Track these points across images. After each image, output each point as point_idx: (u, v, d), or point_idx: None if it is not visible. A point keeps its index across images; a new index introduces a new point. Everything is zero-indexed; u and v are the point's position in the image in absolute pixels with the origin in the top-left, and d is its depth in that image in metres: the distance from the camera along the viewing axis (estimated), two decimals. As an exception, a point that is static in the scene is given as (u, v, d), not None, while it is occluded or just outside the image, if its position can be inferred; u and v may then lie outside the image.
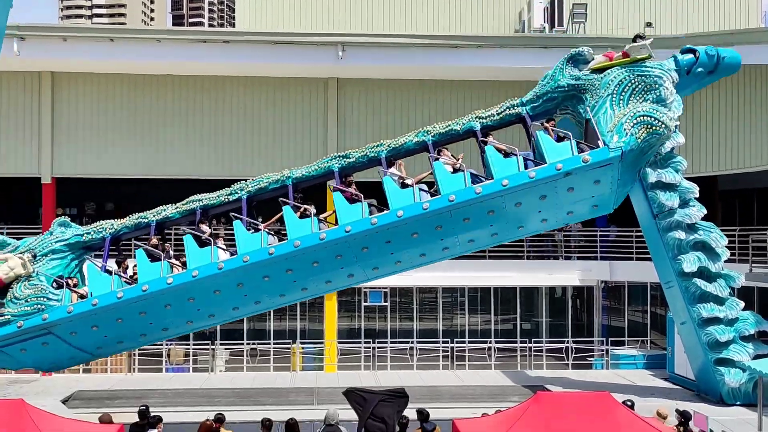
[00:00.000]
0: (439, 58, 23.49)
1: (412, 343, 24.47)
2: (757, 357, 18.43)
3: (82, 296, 14.05)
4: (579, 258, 25.23)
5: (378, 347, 24.24)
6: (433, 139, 14.60)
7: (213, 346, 23.69)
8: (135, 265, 14.53)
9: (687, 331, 19.23)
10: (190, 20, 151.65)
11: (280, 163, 24.91)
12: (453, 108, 25.38)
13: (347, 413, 13.21)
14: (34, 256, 14.37)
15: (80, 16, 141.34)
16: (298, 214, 14.13)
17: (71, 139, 24.53)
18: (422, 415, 12.51)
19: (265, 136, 24.99)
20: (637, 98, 13.80)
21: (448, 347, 24.39)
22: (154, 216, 14.77)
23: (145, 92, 24.72)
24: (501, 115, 14.64)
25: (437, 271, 23.29)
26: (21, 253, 14.40)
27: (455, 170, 14.08)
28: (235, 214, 14.77)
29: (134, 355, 23.39)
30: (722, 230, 19.18)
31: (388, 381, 20.73)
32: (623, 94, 13.85)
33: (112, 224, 14.98)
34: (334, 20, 28.77)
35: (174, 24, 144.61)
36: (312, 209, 14.29)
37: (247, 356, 23.85)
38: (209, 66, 23.79)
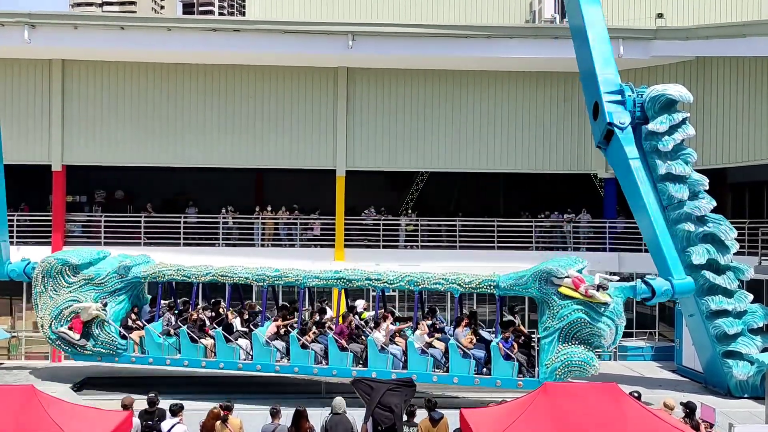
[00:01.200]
0: (449, 48, 23.44)
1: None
2: (765, 350, 18.43)
3: (141, 339, 18.11)
4: (588, 249, 25.16)
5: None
6: (419, 290, 17.49)
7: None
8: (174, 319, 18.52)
9: (695, 323, 19.20)
10: (201, 9, 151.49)
11: (289, 153, 25.07)
12: (462, 98, 25.39)
13: (355, 402, 13.27)
14: (105, 305, 18.02)
15: (91, 4, 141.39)
16: (300, 343, 17.32)
17: (81, 127, 24.64)
18: (430, 403, 12.57)
19: (275, 124, 25.03)
20: (579, 340, 16.08)
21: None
22: (195, 278, 18.19)
23: (156, 81, 24.78)
24: (477, 287, 17.07)
25: (446, 261, 23.35)
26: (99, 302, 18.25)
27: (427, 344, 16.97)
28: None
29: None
30: (732, 223, 19.11)
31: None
32: (570, 332, 16.08)
33: (164, 273, 18.35)
34: (344, 9, 28.71)
35: (184, 13, 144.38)
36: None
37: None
38: (219, 55, 23.83)
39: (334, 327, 17.56)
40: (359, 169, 25.30)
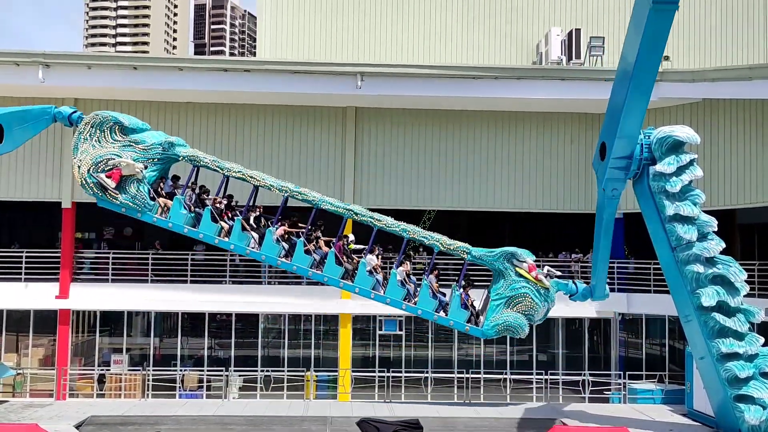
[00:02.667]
0: (457, 88, 23.66)
1: (427, 372, 24.33)
2: (777, 394, 18.13)
3: (166, 206, 19.89)
4: (596, 290, 25.00)
5: (392, 376, 24.11)
6: (409, 237, 20.37)
7: (227, 373, 23.67)
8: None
9: (706, 366, 18.96)
10: (212, 49, 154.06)
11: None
12: (470, 138, 25.55)
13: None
14: (146, 168, 19.58)
15: (104, 44, 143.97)
16: (305, 249, 19.52)
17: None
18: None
19: (284, 163, 25.19)
20: (519, 309, 20.00)
21: (463, 377, 24.21)
22: (228, 172, 20.11)
23: (166, 119, 25.05)
24: (455, 251, 20.34)
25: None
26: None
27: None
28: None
29: (148, 380, 23.44)
30: (741, 264, 18.98)
31: (403, 411, 20.60)
32: (515, 301, 19.97)
33: (201, 160, 20.18)
34: (353, 50, 29.08)
35: (196, 53, 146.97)
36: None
37: (260, 383, 23.81)
38: (230, 94, 24.11)
39: (333, 245, 20.19)
40: (367, 208, 25.32)
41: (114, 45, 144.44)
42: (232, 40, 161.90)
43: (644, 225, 19.35)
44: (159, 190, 20.07)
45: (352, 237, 21.54)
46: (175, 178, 20.83)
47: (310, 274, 19.75)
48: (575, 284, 21.22)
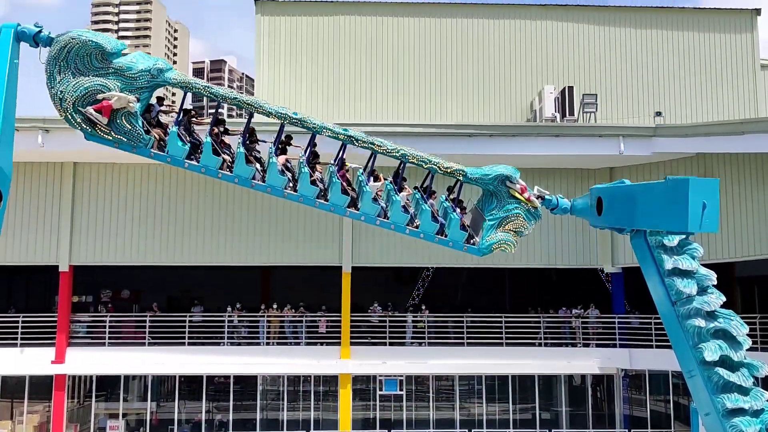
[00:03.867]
0: (453, 146, 23.88)
1: (429, 433, 23.92)
2: (786, 450, 17.77)
3: (160, 138, 17.52)
4: (598, 345, 24.82)
5: (394, 438, 23.69)
6: (407, 161, 18.71)
7: (225, 437, 23.27)
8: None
9: (712, 422, 18.58)
10: (210, 111, 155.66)
11: (296, 249, 25.16)
12: (467, 196, 25.63)
13: None
14: (138, 100, 17.21)
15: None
16: (311, 179, 17.52)
17: (90, 227, 24.89)
18: None
19: (280, 222, 25.23)
20: (511, 228, 18.86)
21: (465, 438, 23.79)
22: (222, 99, 17.62)
23: (163, 181, 25.20)
24: (451, 174, 18.74)
25: (453, 358, 23.03)
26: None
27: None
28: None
29: (145, 446, 23.01)
30: (742, 317, 18.83)
31: None
32: (507, 221, 18.79)
33: (193, 85, 17.58)
34: (349, 113, 29.45)
35: (194, 101, 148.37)
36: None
37: (259, 447, 23.35)
38: (227, 155, 24.27)
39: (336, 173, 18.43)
40: (365, 266, 25.32)
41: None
42: (230, 87, 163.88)
43: (643, 280, 19.28)
44: (151, 120, 18.39)
45: (352, 165, 20.48)
46: (160, 100, 19.07)
47: (316, 204, 18.28)
48: (557, 199, 20.73)
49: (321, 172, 18.38)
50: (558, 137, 23.70)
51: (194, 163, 17.61)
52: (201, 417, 24.41)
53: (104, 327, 24.80)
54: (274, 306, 25.57)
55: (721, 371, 18.08)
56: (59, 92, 17.42)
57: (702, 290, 18.49)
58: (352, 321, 24.91)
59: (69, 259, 24.62)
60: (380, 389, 24.70)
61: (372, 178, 19.14)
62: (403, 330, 25.42)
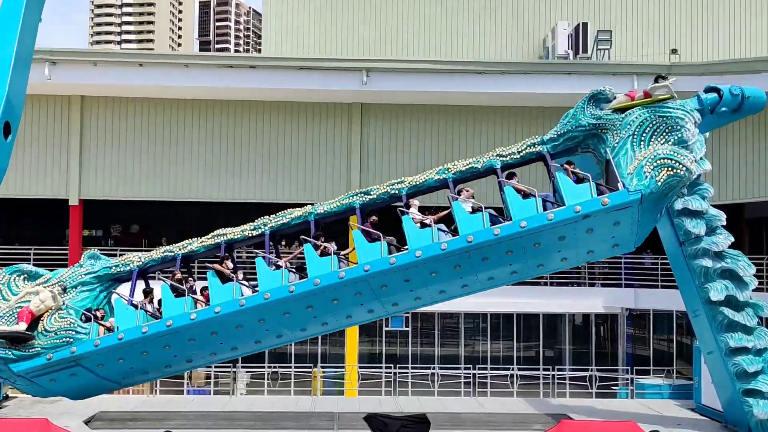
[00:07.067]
0: (463, 83, 23.59)
1: (434, 369, 24.30)
2: (786, 388, 18.03)
3: (109, 329, 14.33)
4: (603, 285, 24.96)
5: (399, 373, 24.10)
6: (453, 177, 14.82)
7: (234, 369, 23.70)
8: (160, 299, 14.78)
9: (714, 360, 18.89)
10: (217, 46, 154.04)
11: (303, 188, 25.18)
12: (477, 134, 25.48)
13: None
14: (64, 289, 14.71)
15: (110, 42, 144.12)
16: (319, 252, 14.30)
17: (99, 161, 24.89)
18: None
19: (289, 160, 25.17)
20: (658, 139, 13.85)
21: (469, 374, 24.18)
22: (179, 250, 15.07)
23: (172, 116, 25.06)
24: (521, 153, 14.65)
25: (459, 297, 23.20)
26: (51, 285, 14.65)
27: (474, 210, 14.26)
28: (257, 251, 14.88)
29: (156, 376, 23.45)
30: (750, 258, 18.90)
31: (409, 407, 20.60)
32: (644, 135, 13.87)
33: (140, 257, 15.23)
34: (358, 46, 29.05)
35: (201, 49, 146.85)
36: (332, 246, 14.43)
37: (268, 379, 23.82)
38: (235, 91, 24.10)
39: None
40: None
41: (119, 43, 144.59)
42: (236, 37, 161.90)
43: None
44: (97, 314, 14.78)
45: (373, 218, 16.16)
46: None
47: (341, 276, 13.82)
48: (713, 89, 15.86)
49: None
50: (570, 75, 23.33)
51: (155, 322, 14.11)
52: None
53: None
54: (282, 243, 25.71)
55: (726, 311, 18.27)
56: None
57: (711, 231, 18.52)
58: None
59: (78, 193, 24.72)
60: (386, 326, 25.04)
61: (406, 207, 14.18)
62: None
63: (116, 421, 18.69)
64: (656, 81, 14.46)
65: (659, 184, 13.45)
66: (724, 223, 18.62)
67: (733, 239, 18.63)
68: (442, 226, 14.30)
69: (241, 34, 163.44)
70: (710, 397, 20.11)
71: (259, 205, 26.33)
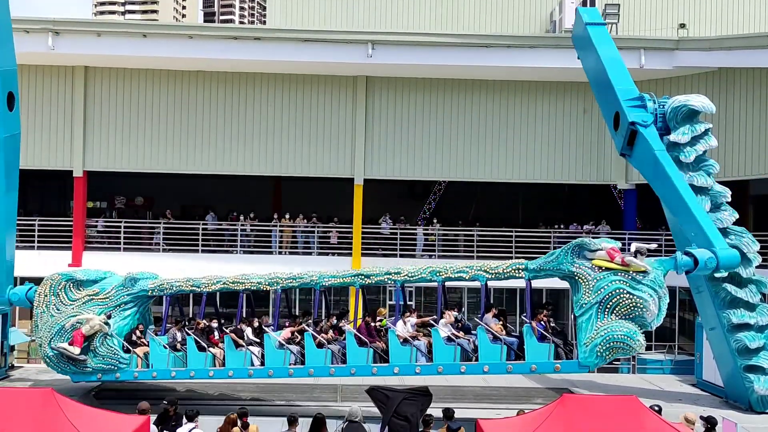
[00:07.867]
0: (469, 57, 23.44)
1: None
2: (788, 365, 18.10)
3: (146, 354, 17.32)
4: (607, 261, 24.94)
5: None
6: (442, 280, 16.65)
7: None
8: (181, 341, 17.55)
9: (716, 336, 18.95)
10: (221, 17, 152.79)
11: (308, 161, 25.14)
12: (482, 107, 25.36)
13: (370, 411, 13.21)
14: (109, 317, 17.15)
15: (113, 12, 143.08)
16: (317, 342, 16.73)
17: (103, 133, 24.88)
18: (448, 413, 12.48)
19: (293, 132, 25.11)
20: (621, 312, 15.17)
21: (472, 347, 24.25)
22: (206, 287, 17.39)
23: (176, 88, 24.98)
24: (506, 273, 16.28)
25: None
26: (100, 315, 17.18)
27: (449, 339, 16.36)
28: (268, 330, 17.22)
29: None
30: (754, 235, 18.86)
31: (412, 380, 20.67)
32: (609, 305, 15.14)
33: (172, 285, 17.54)
34: (364, 18, 28.81)
35: (205, 21, 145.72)
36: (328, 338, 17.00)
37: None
38: (240, 62, 23.97)
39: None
40: (377, 178, 25.31)
41: (123, 13, 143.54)
42: (241, 8, 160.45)
43: (655, 196, 19.22)
44: (134, 338, 17.58)
45: (384, 311, 18.96)
46: (158, 322, 18.39)
47: (332, 372, 16.44)
48: (687, 253, 16.39)
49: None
50: (577, 49, 23.10)
51: (182, 369, 17.17)
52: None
53: (119, 232, 25.12)
54: (287, 216, 25.76)
55: (729, 287, 18.28)
56: (38, 338, 17.48)
57: (715, 207, 18.48)
58: (363, 233, 25.11)
59: (83, 164, 24.72)
60: (390, 299, 25.07)
61: (398, 319, 16.28)
62: (413, 243, 25.62)
63: (122, 392, 18.82)
64: (635, 256, 15.31)
65: (607, 359, 15.41)
66: (729, 200, 18.57)
67: (737, 216, 18.59)
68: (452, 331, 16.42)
69: (246, 6, 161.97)
70: (711, 373, 20.19)
71: (262, 178, 26.38)
